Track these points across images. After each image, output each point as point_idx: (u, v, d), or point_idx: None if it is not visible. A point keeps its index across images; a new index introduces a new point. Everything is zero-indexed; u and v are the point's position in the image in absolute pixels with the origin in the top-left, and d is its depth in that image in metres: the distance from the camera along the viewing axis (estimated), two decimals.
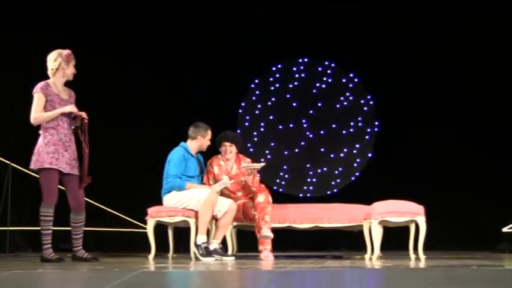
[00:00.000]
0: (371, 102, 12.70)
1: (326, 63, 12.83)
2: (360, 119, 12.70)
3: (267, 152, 12.61)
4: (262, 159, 8.59)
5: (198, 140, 8.37)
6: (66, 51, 7.37)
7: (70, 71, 7.39)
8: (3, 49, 10.69)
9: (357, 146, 12.67)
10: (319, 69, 12.85)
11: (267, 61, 12.71)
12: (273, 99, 12.85)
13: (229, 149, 8.55)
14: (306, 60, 12.87)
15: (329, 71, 12.83)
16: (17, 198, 10.39)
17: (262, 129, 12.80)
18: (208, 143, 8.44)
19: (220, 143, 8.59)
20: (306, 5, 12.04)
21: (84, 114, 7.36)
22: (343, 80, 12.78)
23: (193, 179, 8.29)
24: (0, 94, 10.77)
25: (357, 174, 12.60)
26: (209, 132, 8.42)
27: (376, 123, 12.62)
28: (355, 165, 12.65)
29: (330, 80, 12.80)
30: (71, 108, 7.24)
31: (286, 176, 12.66)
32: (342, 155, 12.67)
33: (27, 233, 10.65)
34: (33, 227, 9.68)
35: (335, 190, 12.53)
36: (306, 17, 12.14)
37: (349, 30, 12.10)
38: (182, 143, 8.39)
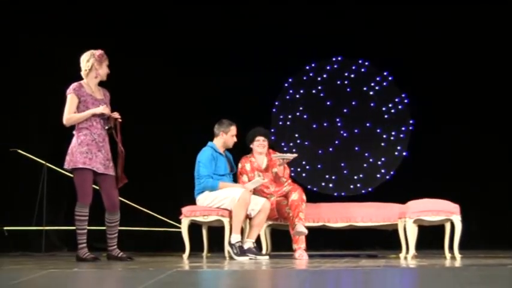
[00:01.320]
0: (405, 101, 12.60)
1: (360, 61, 12.75)
2: (394, 117, 12.61)
3: (301, 151, 12.55)
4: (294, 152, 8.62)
5: (221, 137, 8.39)
6: (98, 52, 7.41)
7: (103, 71, 7.43)
8: (39, 50, 10.76)
9: (392, 144, 12.58)
10: (353, 67, 12.77)
11: (301, 60, 12.65)
12: (306, 98, 12.79)
13: (263, 143, 8.62)
14: (339, 58, 12.79)
15: (363, 70, 12.75)
16: (53, 198, 10.47)
17: (296, 128, 12.76)
18: (233, 139, 8.43)
19: (253, 139, 8.63)
20: (338, 3, 11.97)
21: (117, 115, 7.40)
22: (377, 79, 12.69)
23: (224, 177, 8.30)
24: (36, 94, 10.85)
25: (392, 173, 12.52)
26: (232, 128, 8.42)
27: (411, 121, 12.52)
28: (389, 164, 12.56)
29: (363, 79, 12.71)
30: (103, 109, 7.26)
31: (320, 175, 12.61)
32: (376, 153, 12.59)
33: (62, 232, 10.73)
34: (68, 226, 9.76)
35: (369, 189, 12.45)
36: (338, 15, 12.08)
37: (382, 28, 12.03)
38: (209, 143, 8.42)
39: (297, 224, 8.08)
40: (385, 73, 12.68)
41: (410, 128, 12.49)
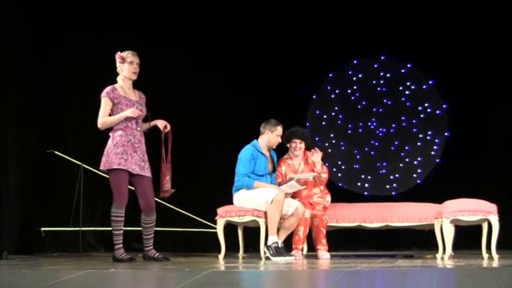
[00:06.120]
0: (444, 106, 12.47)
1: (401, 62, 12.63)
2: (431, 118, 12.49)
3: (337, 152, 12.51)
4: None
5: (267, 135, 8.36)
6: (117, 53, 7.42)
7: (127, 71, 7.40)
8: (76, 51, 10.80)
9: (428, 144, 12.48)
10: (395, 68, 12.65)
11: (339, 60, 12.58)
12: (342, 98, 12.72)
13: (299, 146, 8.58)
14: (382, 58, 12.68)
15: (403, 70, 12.64)
16: (89, 199, 10.53)
17: (332, 129, 12.69)
18: (277, 139, 8.39)
19: (290, 140, 8.60)
20: (381, 4, 11.91)
21: (167, 127, 7.47)
22: (417, 80, 12.58)
23: (263, 177, 8.28)
24: (73, 96, 10.91)
25: (428, 173, 12.43)
26: (278, 128, 8.37)
27: (447, 127, 12.41)
28: (426, 163, 12.47)
29: (403, 79, 12.59)
30: (130, 112, 7.24)
31: (357, 175, 12.55)
32: (412, 154, 12.50)
33: (99, 233, 10.79)
34: (105, 227, 9.82)
35: (406, 189, 12.37)
36: (376, 16, 12.02)
37: (421, 28, 11.94)
38: (254, 141, 8.41)
39: (320, 251, 8.38)
40: (430, 82, 12.55)
41: (446, 134, 12.36)
